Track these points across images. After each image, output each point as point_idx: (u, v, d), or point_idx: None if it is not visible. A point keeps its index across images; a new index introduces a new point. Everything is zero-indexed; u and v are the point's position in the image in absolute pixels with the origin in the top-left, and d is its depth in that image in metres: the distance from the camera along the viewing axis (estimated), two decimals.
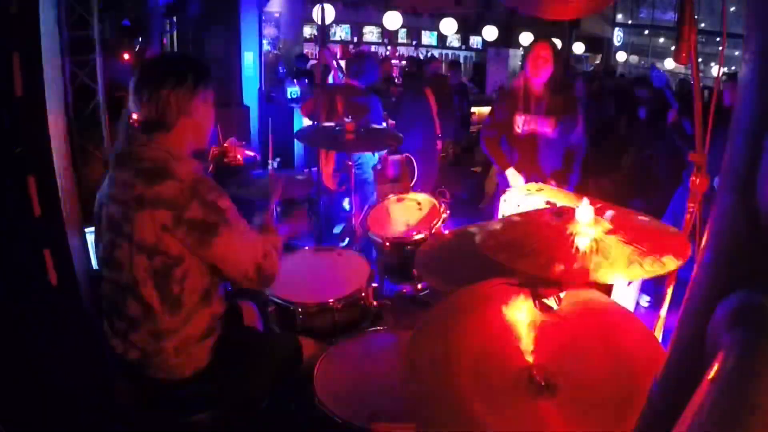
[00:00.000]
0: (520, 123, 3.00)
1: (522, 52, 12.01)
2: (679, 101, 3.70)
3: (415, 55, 12.53)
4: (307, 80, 7.09)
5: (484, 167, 5.68)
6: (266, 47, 8.08)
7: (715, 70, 12.88)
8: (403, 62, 11.01)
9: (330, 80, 4.69)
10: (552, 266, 1.17)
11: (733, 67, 10.30)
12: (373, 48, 12.56)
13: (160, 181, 1.41)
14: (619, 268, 1.16)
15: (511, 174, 3.01)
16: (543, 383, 1.12)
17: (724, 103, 3.49)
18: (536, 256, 1.21)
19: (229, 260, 1.49)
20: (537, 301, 1.27)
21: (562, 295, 1.28)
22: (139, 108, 1.46)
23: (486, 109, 7.56)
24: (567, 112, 2.99)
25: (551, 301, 1.28)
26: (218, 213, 1.44)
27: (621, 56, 15.68)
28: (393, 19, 10.32)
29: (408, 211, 2.63)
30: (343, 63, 4.04)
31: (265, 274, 1.55)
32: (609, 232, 1.29)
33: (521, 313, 1.29)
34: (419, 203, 2.67)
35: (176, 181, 1.42)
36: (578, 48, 13.81)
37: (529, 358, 1.20)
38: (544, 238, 1.31)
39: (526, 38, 12.23)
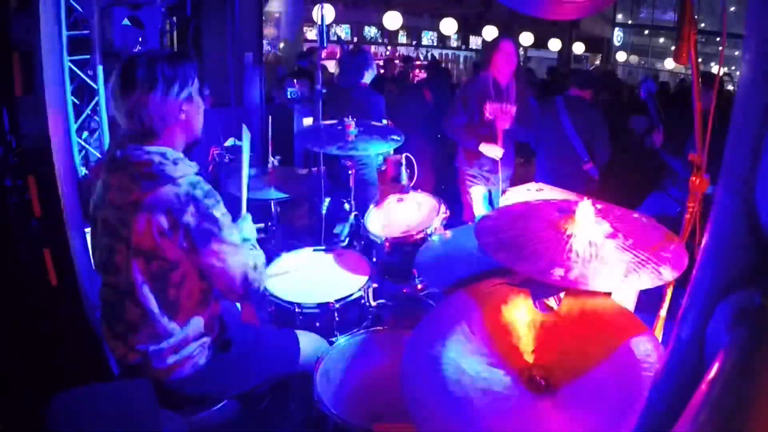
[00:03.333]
0: (490, 110, 3.23)
1: (522, 52, 12.03)
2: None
3: (414, 55, 12.55)
4: (307, 80, 7.08)
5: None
6: (266, 47, 8.07)
7: (715, 70, 12.88)
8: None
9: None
10: (551, 271, 1.16)
11: (733, 67, 10.31)
12: (373, 48, 12.57)
13: (156, 185, 1.39)
14: (617, 277, 1.16)
15: (486, 148, 3.21)
16: (543, 383, 1.12)
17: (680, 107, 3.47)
18: (536, 260, 1.21)
19: (217, 269, 1.46)
20: (537, 301, 1.27)
21: (561, 295, 1.28)
22: (121, 120, 1.44)
23: None
24: (521, 102, 3.34)
25: (551, 301, 1.28)
26: (212, 221, 1.43)
27: (621, 56, 15.69)
28: (393, 19, 10.33)
29: (408, 211, 2.63)
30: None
31: (252, 287, 1.53)
32: (609, 236, 1.28)
33: (521, 313, 1.29)
34: (419, 203, 2.67)
35: (173, 185, 1.40)
36: (578, 48, 13.82)
37: (529, 358, 1.20)
38: (544, 238, 1.30)
39: (526, 38, 12.24)
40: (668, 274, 1.15)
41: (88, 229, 2.25)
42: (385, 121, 3.96)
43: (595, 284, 1.14)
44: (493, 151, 3.20)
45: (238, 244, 1.50)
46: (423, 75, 8.41)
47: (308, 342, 1.83)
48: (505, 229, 1.39)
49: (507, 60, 3.25)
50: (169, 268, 1.44)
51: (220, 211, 1.46)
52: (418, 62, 10.45)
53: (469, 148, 3.34)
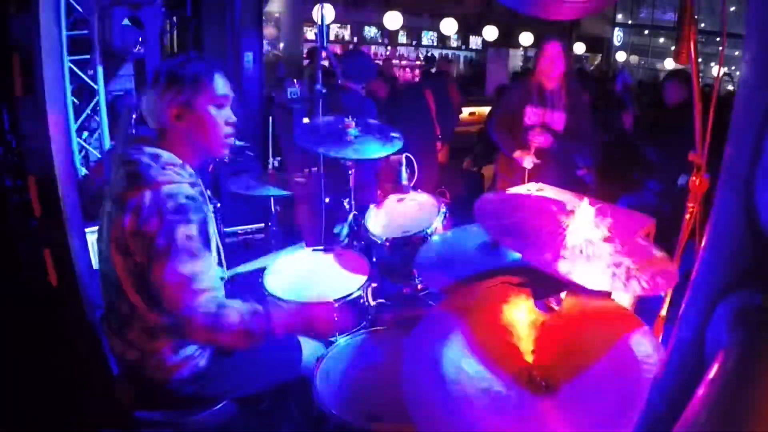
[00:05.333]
0: (531, 115, 3.09)
1: (522, 52, 12.04)
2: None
3: (415, 55, 12.54)
4: (307, 81, 7.09)
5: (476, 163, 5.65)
6: (266, 47, 8.08)
7: (715, 70, 12.88)
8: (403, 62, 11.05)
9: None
10: (557, 264, 1.16)
11: (733, 67, 10.31)
12: (373, 48, 12.57)
13: (137, 187, 1.40)
14: (618, 279, 1.15)
15: (520, 154, 3.08)
16: (543, 383, 1.12)
17: (666, 102, 3.52)
18: (542, 249, 1.21)
19: (164, 290, 1.36)
20: (538, 301, 1.27)
21: (562, 295, 1.28)
22: (146, 118, 1.50)
23: (485, 109, 7.56)
24: (573, 112, 3.10)
25: (552, 302, 1.28)
26: (168, 239, 1.34)
27: (621, 56, 15.69)
28: (393, 19, 10.32)
29: (408, 211, 2.63)
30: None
31: (187, 324, 1.36)
32: (605, 240, 1.28)
33: (521, 314, 1.29)
34: (419, 203, 2.67)
35: (151, 189, 1.39)
36: (578, 48, 13.82)
37: (529, 359, 1.20)
38: (546, 231, 1.30)
39: (526, 38, 12.23)
40: (664, 285, 1.15)
41: (88, 229, 2.25)
42: None
43: (597, 283, 1.14)
44: (524, 159, 3.05)
45: (187, 278, 1.36)
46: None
47: (309, 347, 1.83)
48: (506, 215, 1.39)
49: (550, 63, 3.03)
50: (143, 268, 1.41)
51: (185, 233, 1.36)
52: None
53: (505, 153, 3.22)
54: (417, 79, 9.66)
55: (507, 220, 1.32)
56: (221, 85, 1.53)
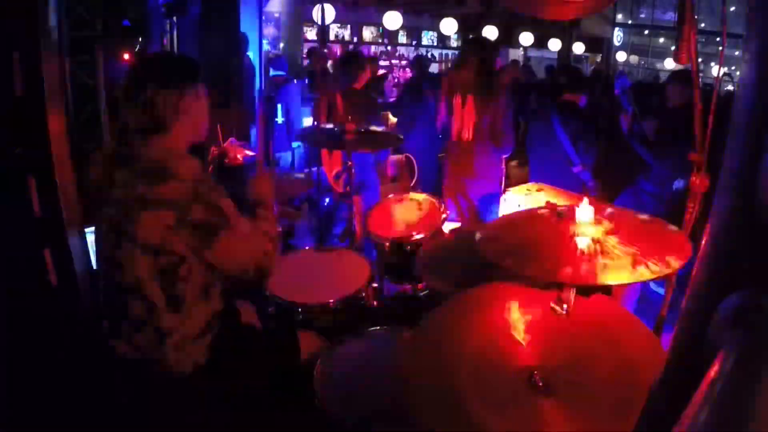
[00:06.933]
0: None
1: (522, 52, 12.01)
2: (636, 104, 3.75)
3: (414, 54, 12.53)
4: (307, 80, 7.10)
5: None
6: (266, 47, 8.09)
7: (715, 70, 12.88)
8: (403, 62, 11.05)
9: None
10: (560, 270, 1.16)
11: (733, 67, 10.31)
12: (373, 48, 12.57)
13: (161, 181, 1.41)
14: (626, 269, 1.15)
15: None
16: (542, 384, 1.12)
17: (666, 105, 3.54)
18: (543, 261, 1.21)
19: (229, 261, 1.51)
20: (553, 304, 1.27)
21: (572, 297, 1.27)
22: (131, 112, 1.47)
23: None
24: None
25: (561, 309, 1.27)
26: (220, 214, 1.45)
27: (621, 56, 15.70)
28: (393, 19, 10.32)
29: (408, 211, 2.63)
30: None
31: (264, 269, 1.59)
32: (609, 233, 1.28)
33: (522, 314, 1.29)
34: (419, 203, 2.67)
35: (177, 181, 1.42)
36: (578, 48, 13.82)
37: (530, 359, 1.20)
38: (546, 240, 1.30)
39: (526, 38, 12.24)
40: (675, 263, 1.14)
41: (88, 229, 2.25)
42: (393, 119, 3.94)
43: (605, 279, 1.13)
44: None
45: (248, 232, 1.54)
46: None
47: (308, 341, 1.83)
48: (506, 236, 1.39)
49: None
50: (177, 262, 1.45)
51: (226, 203, 1.48)
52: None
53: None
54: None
55: (506, 244, 1.32)
56: (203, 76, 1.57)
